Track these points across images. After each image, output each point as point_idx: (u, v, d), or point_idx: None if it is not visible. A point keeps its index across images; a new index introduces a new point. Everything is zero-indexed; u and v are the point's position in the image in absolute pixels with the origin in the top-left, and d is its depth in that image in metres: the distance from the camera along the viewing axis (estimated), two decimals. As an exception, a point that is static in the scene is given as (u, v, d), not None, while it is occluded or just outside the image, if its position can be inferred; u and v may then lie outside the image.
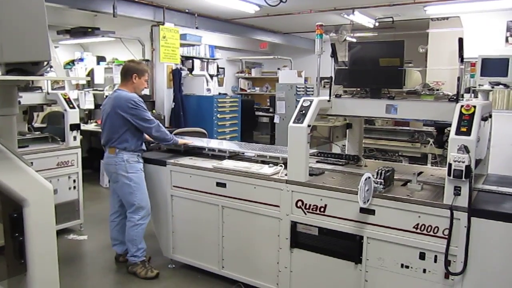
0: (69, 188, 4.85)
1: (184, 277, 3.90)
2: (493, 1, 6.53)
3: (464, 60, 2.92)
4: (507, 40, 7.42)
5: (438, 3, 6.80)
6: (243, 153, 3.96)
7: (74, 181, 4.89)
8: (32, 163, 4.60)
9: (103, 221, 4.89)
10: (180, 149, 4.14)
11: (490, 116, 3.10)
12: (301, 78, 9.00)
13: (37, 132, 5.25)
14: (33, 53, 1.60)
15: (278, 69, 11.01)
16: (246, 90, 11.56)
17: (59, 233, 4.79)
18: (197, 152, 4.12)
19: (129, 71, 3.88)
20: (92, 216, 5.38)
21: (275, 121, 8.58)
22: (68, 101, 4.79)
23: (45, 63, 1.62)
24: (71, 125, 4.76)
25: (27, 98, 4.75)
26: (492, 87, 2.87)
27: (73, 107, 4.81)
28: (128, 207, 3.87)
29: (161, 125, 3.90)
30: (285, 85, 8.48)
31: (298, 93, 8.32)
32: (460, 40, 2.85)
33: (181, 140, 4.08)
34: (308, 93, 8.51)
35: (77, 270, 4.14)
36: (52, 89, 4.98)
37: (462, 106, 2.65)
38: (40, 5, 1.59)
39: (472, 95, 3.10)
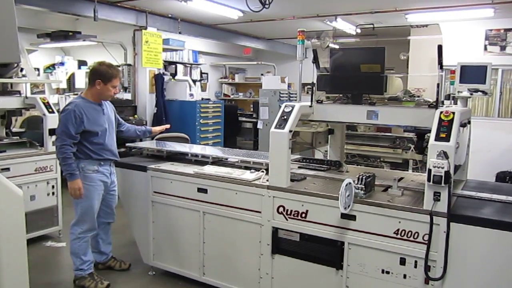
0: (48, 194, 4.76)
1: (164, 284, 3.85)
2: (472, 10, 6.64)
3: (444, 67, 2.95)
4: (485, 48, 7.56)
5: (419, 11, 6.89)
6: (225, 159, 3.92)
7: (53, 186, 4.80)
8: (9, 168, 4.51)
9: (82, 227, 4.78)
10: (163, 154, 4.08)
11: (469, 122, 3.14)
12: (284, 84, 9.02)
13: (15, 137, 5.14)
14: (2, 55, 1.55)
15: (262, 74, 11.02)
16: (229, 96, 11.54)
17: (37, 240, 4.69)
18: (179, 157, 4.08)
19: (94, 75, 3.53)
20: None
21: (258, 126, 8.57)
22: (47, 105, 4.69)
23: (15, 65, 1.58)
24: (50, 129, 4.65)
25: (5, 102, 4.65)
26: (471, 94, 2.90)
27: (52, 112, 4.71)
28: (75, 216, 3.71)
29: (65, 147, 3.41)
30: (268, 90, 8.48)
31: (281, 98, 8.33)
32: (440, 47, 2.89)
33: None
34: (291, 99, 8.52)
35: (55, 278, 4.06)
36: (32, 93, 4.88)
37: (441, 112, 2.68)
38: (9, 7, 1.54)
39: (452, 101, 3.13)
